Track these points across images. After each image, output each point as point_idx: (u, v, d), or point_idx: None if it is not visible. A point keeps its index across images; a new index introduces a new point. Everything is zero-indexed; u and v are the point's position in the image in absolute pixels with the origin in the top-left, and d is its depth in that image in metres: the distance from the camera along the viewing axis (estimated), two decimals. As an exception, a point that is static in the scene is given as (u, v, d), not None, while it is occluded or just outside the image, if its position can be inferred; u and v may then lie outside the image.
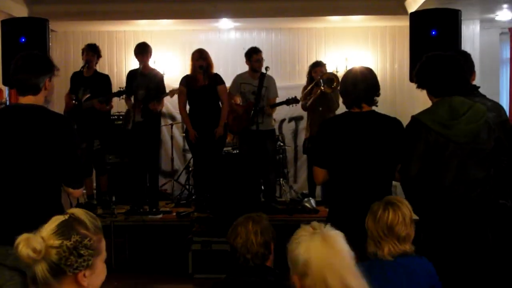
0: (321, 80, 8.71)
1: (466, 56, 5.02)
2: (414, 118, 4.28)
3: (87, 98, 8.55)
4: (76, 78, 8.79)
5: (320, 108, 8.81)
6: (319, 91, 8.68)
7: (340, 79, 5.32)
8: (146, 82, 8.60)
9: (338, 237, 2.30)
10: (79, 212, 2.23)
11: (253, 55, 8.66)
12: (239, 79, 8.82)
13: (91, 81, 8.71)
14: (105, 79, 8.88)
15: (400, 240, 3.43)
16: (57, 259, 2.10)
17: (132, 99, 8.68)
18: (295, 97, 8.64)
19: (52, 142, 4.03)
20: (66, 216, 2.17)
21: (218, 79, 8.57)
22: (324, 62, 9.37)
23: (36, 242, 2.07)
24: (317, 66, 9.12)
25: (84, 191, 8.90)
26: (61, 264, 2.11)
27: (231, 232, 3.43)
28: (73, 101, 8.48)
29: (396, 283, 3.36)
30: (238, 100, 8.98)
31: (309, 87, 8.96)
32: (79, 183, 4.28)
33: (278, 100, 8.77)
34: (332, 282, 2.18)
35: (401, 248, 3.43)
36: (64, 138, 4.08)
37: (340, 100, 6.15)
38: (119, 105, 9.52)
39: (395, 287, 3.36)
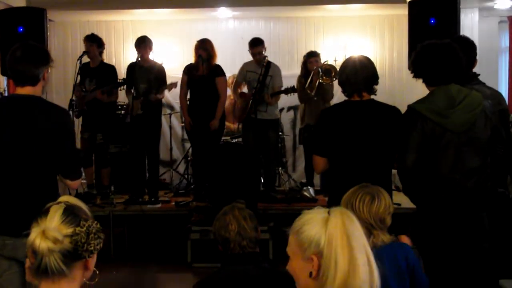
0: (319, 70, 8.71)
1: (469, 43, 4.99)
2: (410, 107, 4.28)
3: (93, 89, 8.58)
4: (83, 69, 8.79)
5: (315, 98, 8.81)
6: (318, 81, 8.68)
7: (338, 69, 5.32)
8: (146, 75, 8.62)
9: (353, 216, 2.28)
10: (72, 200, 2.24)
11: (251, 47, 8.67)
12: (245, 67, 8.85)
13: (97, 72, 8.72)
14: (111, 70, 8.87)
15: (386, 230, 3.45)
16: (71, 247, 2.11)
17: (133, 91, 8.67)
18: (294, 86, 8.65)
19: (49, 132, 4.03)
20: (62, 205, 2.17)
21: (218, 71, 8.56)
22: (318, 52, 9.33)
23: (54, 233, 2.08)
24: (312, 56, 9.08)
25: (84, 180, 8.92)
26: (79, 250, 2.12)
27: (220, 224, 3.42)
28: (82, 92, 8.54)
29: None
30: (243, 88, 9.00)
31: (311, 77, 8.90)
32: (77, 175, 4.29)
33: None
34: (346, 253, 2.17)
35: (389, 237, 3.44)
36: (61, 129, 4.09)
37: (335, 90, 6.09)
38: (120, 96, 9.52)
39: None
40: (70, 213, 2.15)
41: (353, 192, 3.46)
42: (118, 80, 8.76)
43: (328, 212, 2.24)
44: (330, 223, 2.20)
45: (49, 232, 2.08)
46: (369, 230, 3.36)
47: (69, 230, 2.11)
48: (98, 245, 2.19)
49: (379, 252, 3.35)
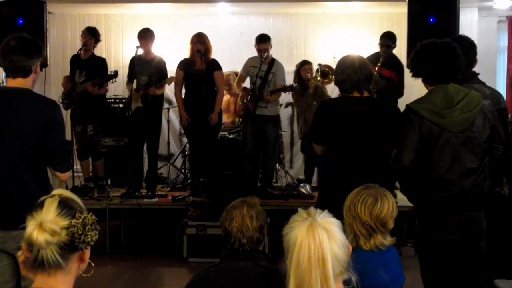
0: (319, 69, 8.76)
1: (470, 43, 5.00)
2: (408, 107, 4.30)
3: (83, 81, 8.56)
4: (74, 60, 8.77)
5: (314, 103, 8.83)
6: (313, 83, 8.71)
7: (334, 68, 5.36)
8: (147, 68, 8.61)
9: (329, 227, 2.29)
10: (65, 192, 2.25)
11: (258, 43, 8.66)
12: (249, 62, 8.84)
13: (87, 64, 8.69)
14: (101, 62, 8.85)
15: (388, 232, 3.45)
16: (67, 239, 2.11)
17: (135, 84, 8.65)
18: (292, 84, 8.67)
19: (38, 125, 4.07)
20: (57, 198, 2.18)
21: (215, 65, 8.55)
22: (312, 62, 9.38)
23: (52, 225, 2.08)
24: (306, 64, 9.19)
25: (81, 174, 8.93)
26: (76, 242, 2.12)
27: (226, 216, 3.42)
28: (70, 83, 8.52)
29: (376, 272, 3.37)
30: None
31: (308, 84, 8.92)
32: (66, 167, 4.28)
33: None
34: (304, 272, 2.20)
35: (390, 240, 3.44)
36: (50, 121, 4.11)
37: (331, 91, 6.09)
38: (115, 89, 9.51)
39: (376, 277, 3.36)
40: (65, 206, 2.16)
41: (357, 192, 3.45)
42: (109, 73, 8.74)
43: (310, 221, 2.27)
44: (299, 233, 2.24)
45: (46, 224, 2.08)
46: (369, 232, 3.37)
47: (65, 222, 2.12)
48: (95, 237, 2.20)
49: (380, 257, 3.39)
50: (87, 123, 8.66)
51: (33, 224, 2.09)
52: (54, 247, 2.09)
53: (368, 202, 3.37)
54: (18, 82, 4.14)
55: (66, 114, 8.46)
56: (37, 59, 4.21)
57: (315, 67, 9.09)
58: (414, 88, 8.63)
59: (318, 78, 8.73)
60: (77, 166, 8.71)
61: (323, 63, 9.41)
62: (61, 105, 8.24)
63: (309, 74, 8.89)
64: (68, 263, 2.16)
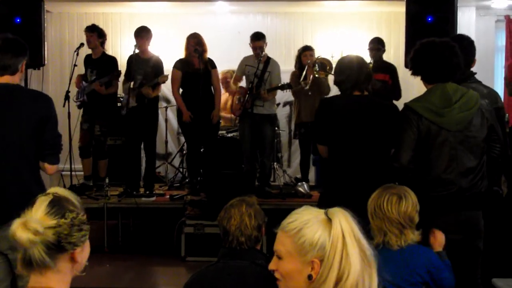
0: (315, 64, 8.72)
1: (469, 42, 5.02)
2: (406, 105, 4.31)
3: (93, 80, 8.57)
4: (86, 60, 8.82)
5: (310, 93, 8.80)
6: (312, 75, 8.68)
7: (333, 64, 5.39)
8: (144, 67, 8.61)
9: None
10: (61, 191, 2.24)
11: (253, 41, 8.66)
12: (244, 62, 8.82)
13: (97, 63, 8.73)
14: (111, 61, 8.87)
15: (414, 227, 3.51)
16: (55, 239, 2.10)
17: (132, 84, 8.65)
18: (289, 83, 8.66)
19: (33, 118, 4.12)
20: (51, 196, 2.17)
21: (212, 64, 8.58)
22: (313, 48, 9.35)
23: (35, 224, 2.06)
24: (307, 50, 9.12)
25: (79, 172, 8.93)
26: (62, 242, 2.11)
27: (224, 215, 3.42)
28: (82, 83, 8.57)
29: (398, 269, 3.39)
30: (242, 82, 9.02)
31: (305, 71, 8.89)
32: (55, 160, 4.31)
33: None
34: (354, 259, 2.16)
35: (418, 234, 3.49)
36: (44, 114, 4.17)
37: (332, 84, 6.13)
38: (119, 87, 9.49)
39: (397, 273, 3.38)
40: (56, 205, 2.15)
41: (380, 194, 3.52)
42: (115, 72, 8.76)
43: (326, 214, 2.22)
44: (334, 226, 2.16)
45: (30, 223, 2.06)
46: (400, 230, 3.42)
47: (52, 222, 2.11)
48: (83, 238, 2.18)
49: (400, 254, 3.41)
50: (95, 123, 8.69)
51: (18, 222, 2.07)
52: (40, 246, 2.08)
53: (394, 201, 3.47)
54: (6, 79, 4.22)
55: (79, 112, 8.56)
56: (23, 58, 4.31)
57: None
58: (412, 87, 8.62)
59: (316, 75, 8.70)
60: (75, 165, 8.72)
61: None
62: (75, 103, 8.38)
63: (309, 61, 8.86)
64: (57, 263, 2.14)
